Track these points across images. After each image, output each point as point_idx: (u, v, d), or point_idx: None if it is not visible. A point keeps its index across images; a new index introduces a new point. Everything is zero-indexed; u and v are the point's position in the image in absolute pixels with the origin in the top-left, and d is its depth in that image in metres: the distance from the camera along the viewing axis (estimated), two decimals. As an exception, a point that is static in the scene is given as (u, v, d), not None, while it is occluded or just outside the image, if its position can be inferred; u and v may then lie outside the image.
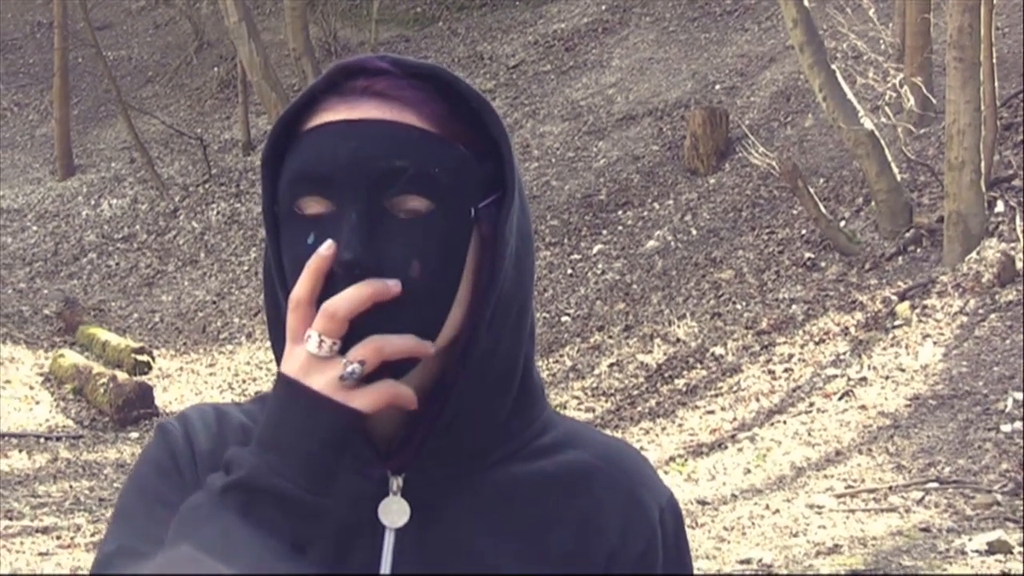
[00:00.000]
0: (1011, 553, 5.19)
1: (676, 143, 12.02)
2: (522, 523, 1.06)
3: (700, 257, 10.11)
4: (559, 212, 11.73)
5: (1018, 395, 6.77)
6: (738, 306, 9.21)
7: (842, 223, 9.48)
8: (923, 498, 5.99)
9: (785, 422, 7.44)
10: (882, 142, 9.06)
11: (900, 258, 8.85)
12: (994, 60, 8.88)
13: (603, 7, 15.54)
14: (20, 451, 8.79)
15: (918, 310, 8.07)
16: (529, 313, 1.08)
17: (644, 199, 11.44)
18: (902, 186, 9.22)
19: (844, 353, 8.05)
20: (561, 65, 14.64)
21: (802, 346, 8.36)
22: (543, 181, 12.34)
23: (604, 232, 11.20)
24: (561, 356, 9.56)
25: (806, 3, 9.34)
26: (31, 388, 10.25)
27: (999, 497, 5.84)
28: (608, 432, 1.76)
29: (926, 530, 5.62)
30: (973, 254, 8.29)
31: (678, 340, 9.10)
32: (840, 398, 7.50)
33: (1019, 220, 8.43)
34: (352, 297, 0.96)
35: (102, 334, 11.20)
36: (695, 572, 1.66)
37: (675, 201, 11.19)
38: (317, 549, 0.98)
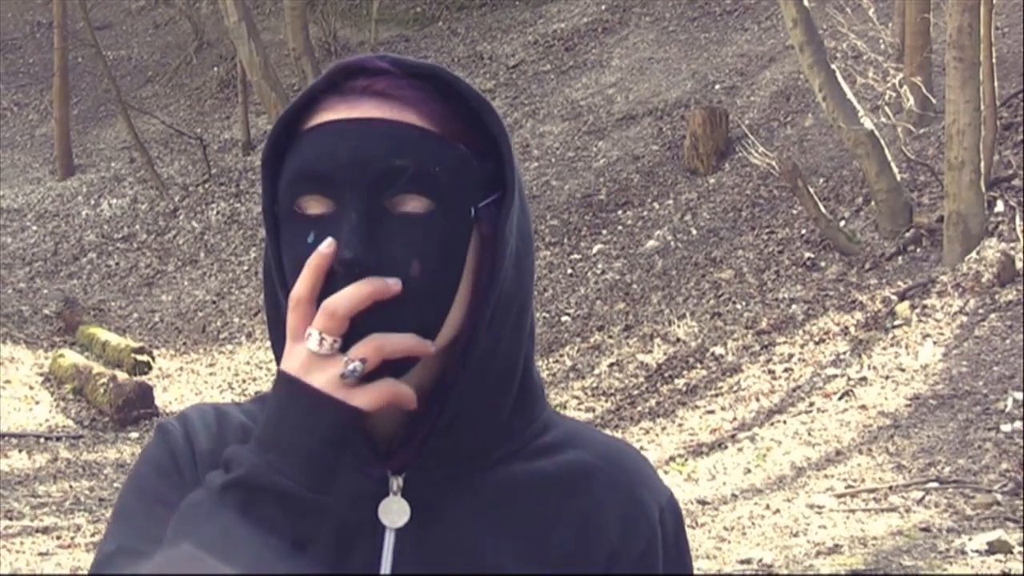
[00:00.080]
0: (1011, 553, 5.19)
1: (676, 143, 12.02)
2: (522, 523, 1.06)
3: (700, 257, 10.11)
4: (559, 212, 11.73)
5: (1018, 395, 6.77)
6: (738, 306, 9.21)
7: (842, 223, 9.48)
8: (923, 498, 5.99)
9: (785, 422, 7.44)
10: (882, 142, 9.06)
11: (900, 258, 8.85)
12: (994, 60, 8.88)
13: (603, 7, 15.54)
14: (20, 451, 8.79)
15: (918, 310, 8.07)
16: (529, 313, 1.08)
17: (644, 199, 11.44)
18: (902, 186, 9.22)
19: (844, 353, 8.05)
20: (561, 65, 14.64)
21: (802, 346, 8.37)
22: (543, 181, 12.34)
23: (604, 232, 11.21)
24: (561, 356, 9.57)
25: (806, 3, 9.34)
26: (31, 388, 10.25)
27: (999, 497, 5.85)
28: (608, 432, 1.76)
29: (926, 530, 5.62)
30: (973, 254, 8.29)
31: (678, 340, 9.11)
32: (840, 398, 7.50)
33: (1019, 220, 8.43)
34: (352, 295, 0.96)
35: (102, 334, 11.20)
36: (695, 572, 1.66)
37: (675, 201, 11.19)
38: (317, 548, 0.97)
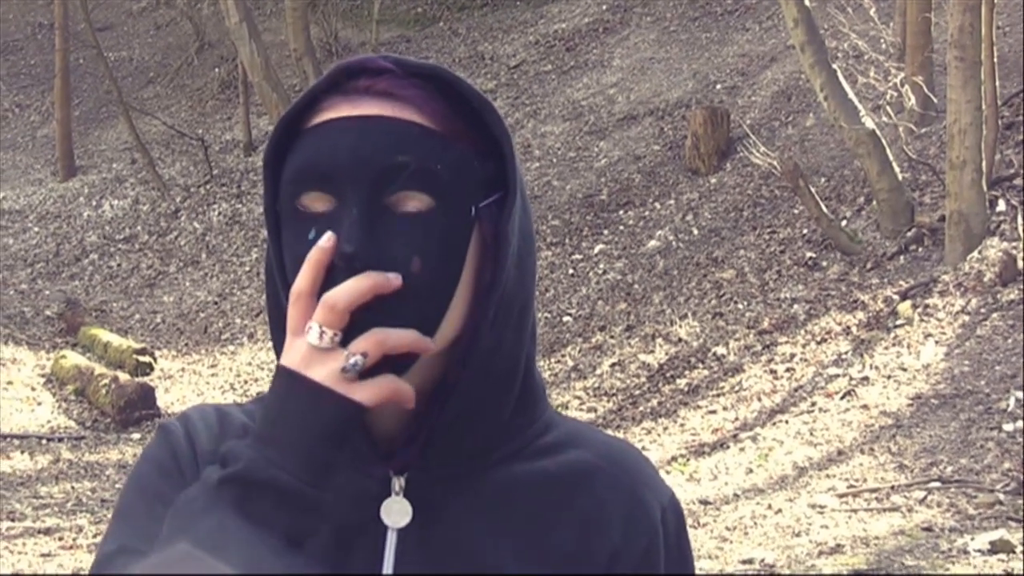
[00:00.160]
0: (1014, 552, 5.19)
1: (677, 143, 12.02)
2: (524, 523, 1.06)
3: (701, 257, 10.11)
4: (560, 212, 11.73)
5: (1020, 394, 6.77)
6: (740, 306, 9.21)
7: (843, 222, 9.48)
8: (925, 497, 5.99)
9: (787, 422, 7.44)
10: (883, 141, 9.06)
11: (902, 257, 8.85)
12: (995, 59, 8.88)
13: (604, 7, 15.54)
14: (22, 452, 8.80)
15: (920, 309, 8.07)
16: (531, 313, 1.08)
17: (645, 199, 11.44)
18: (903, 185, 9.22)
19: (846, 352, 8.05)
20: (562, 65, 14.64)
21: (804, 346, 8.36)
22: (544, 181, 12.34)
23: (605, 232, 11.21)
24: (563, 356, 9.57)
25: (807, 3, 9.34)
26: (33, 389, 10.26)
27: (1001, 496, 5.84)
28: (610, 432, 1.76)
29: (928, 529, 5.62)
30: (975, 253, 8.29)
31: (680, 340, 9.10)
32: (842, 397, 7.49)
33: (1020, 219, 8.43)
34: (352, 288, 0.96)
35: (104, 335, 11.21)
36: (697, 572, 1.66)
37: (676, 201, 11.19)
38: (315, 544, 0.97)
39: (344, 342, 0.97)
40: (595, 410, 8.65)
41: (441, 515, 1.05)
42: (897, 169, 9.16)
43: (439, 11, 17.09)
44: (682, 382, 8.59)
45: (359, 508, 1.05)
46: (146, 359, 10.65)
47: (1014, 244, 8.21)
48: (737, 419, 7.75)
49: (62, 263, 13.74)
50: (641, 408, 8.45)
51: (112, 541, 1.03)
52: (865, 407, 7.27)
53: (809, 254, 9.40)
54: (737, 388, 8.17)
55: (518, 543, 1.05)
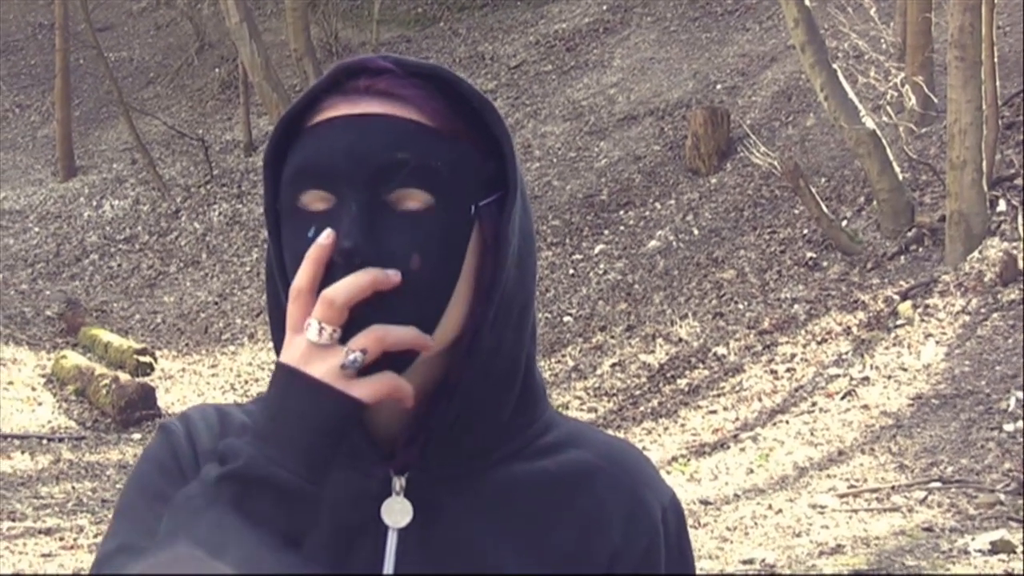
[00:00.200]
0: (1014, 552, 5.19)
1: (677, 143, 12.02)
2: (524, 523, 1.06)
3: (702, 257, 10.11)
4: (561, 212, 11.73)
5: (1020, 394, 6.77)
6: (740, 306, 9.21)
7: (844, 222, 9.48)
8: (926, 498, 5.99)
9: (787, 422, 7.44)
10: (884, 141, 9.06)
11: (902, 257, 8.85)
12: (995, 59, 8.88)
13: (604, 7, 15.53)
14: (23, 452, 8.80)
15: (920, 309, 8.07)
16: (531, 313, 1.08)
17: (646, 199, 11.44)
18: (904, 185, 9.22)
19: (846, 353, 8.05)
20: (562, 65, 14.64)
21: (804, 346, 8.36)
22: (544, 181, 12.34)
23: (606, 232, 11.21)
24: (563, 356, 9.57)
25: (807, 3, 9.34)
26: (33, 389, 10.26)
27: (1002, 496, 5.84)
28: (610, 432, 1.76)
29: (929, 530, 5.62)
30: (975, 253, 8.29)
31: (680, 340, 9.10)
32: (842, 398, 7.49)
33: (1021, 219, 8.43)
34: (351, 284, 0.96)
35: (104, 335, 11.21)
36: (697, 572, 1.66)
37: (677, 201, 11.19)
38: (316, 543, 0.97)
39: (344, 339, 0.97)
40: (595, 410, 8.65)
41: (442, 515, 1.05)
42: (897, 169, 9.15)
43: (439, 11, 17.08)
44: (682, 382, 8.59)
45: (360, 508, 1.05)
46: (146, 359, 10.66)
47: (1014, 244, 8.21)
48: (737, 419, 7.75)
49: (62, 263, 13.74)
50: (641, 408, 8.45)
51: (113, 540, 1.03)
52: (865, 407, 7.27)
53: (809, 254, 9.40)
54: (737, 388, 8.18)
55: (518, 543, 1.05)
